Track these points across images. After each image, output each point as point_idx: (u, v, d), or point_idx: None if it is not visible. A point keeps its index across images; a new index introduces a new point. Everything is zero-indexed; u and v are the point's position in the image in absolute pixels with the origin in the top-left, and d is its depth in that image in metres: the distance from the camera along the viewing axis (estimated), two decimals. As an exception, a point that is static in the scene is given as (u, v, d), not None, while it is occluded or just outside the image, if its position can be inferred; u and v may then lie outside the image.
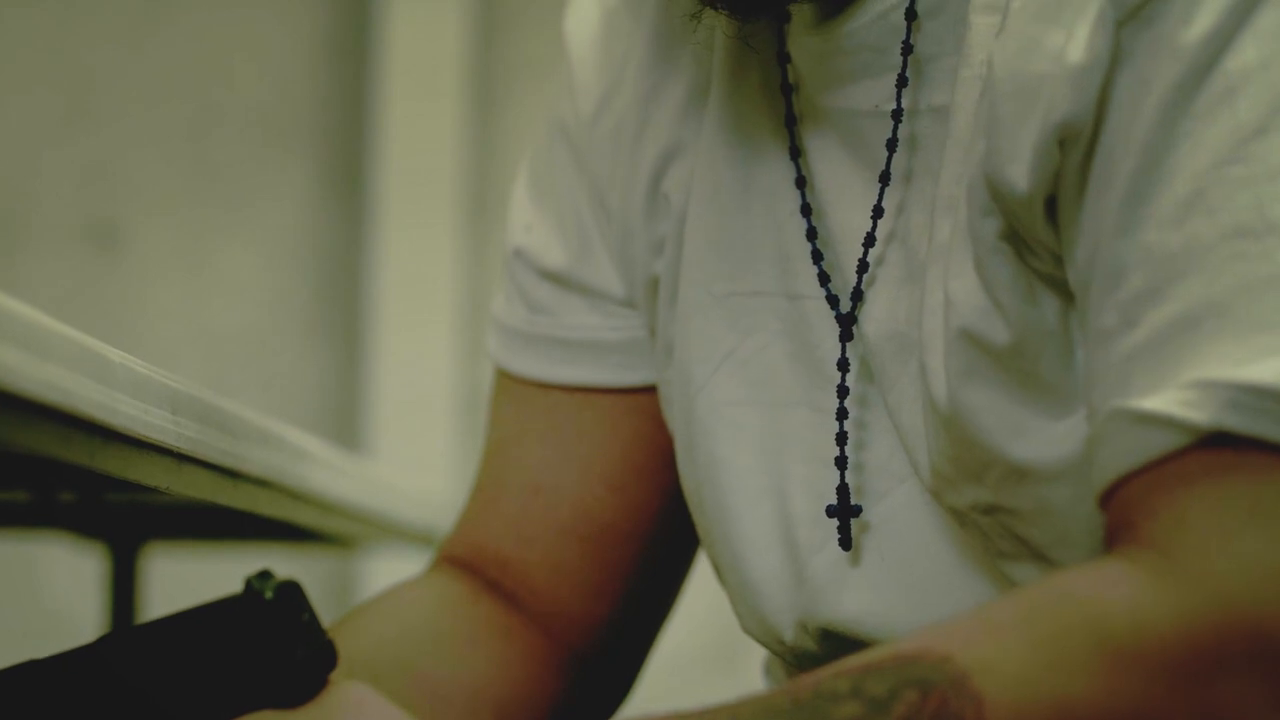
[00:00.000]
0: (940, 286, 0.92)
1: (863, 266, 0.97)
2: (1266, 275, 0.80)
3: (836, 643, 0.99)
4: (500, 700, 1.10)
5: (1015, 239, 0.90)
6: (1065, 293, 0.90)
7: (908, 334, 0.96)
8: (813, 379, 1.00)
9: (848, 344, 0.99)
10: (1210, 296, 0.81)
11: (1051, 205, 0.88)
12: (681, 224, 1.05)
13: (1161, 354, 0.82)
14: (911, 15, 0.94)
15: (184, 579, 2.11)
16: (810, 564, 1.00)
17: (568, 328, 1.11)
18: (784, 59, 1.00)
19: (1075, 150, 0.86)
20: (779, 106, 1.00)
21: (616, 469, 1.11)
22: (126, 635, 0.82)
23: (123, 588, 1.89)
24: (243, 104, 2.90)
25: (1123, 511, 0.83)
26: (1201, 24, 0.83)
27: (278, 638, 0.82)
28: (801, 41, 0.98)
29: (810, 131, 1.00)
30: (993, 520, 0.94)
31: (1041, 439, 0.91)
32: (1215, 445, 0.80)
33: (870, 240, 0.97)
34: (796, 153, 1.00)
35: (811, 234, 1.00)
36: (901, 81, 0.95)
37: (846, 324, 0.99)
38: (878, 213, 0.97)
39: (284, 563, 1.05)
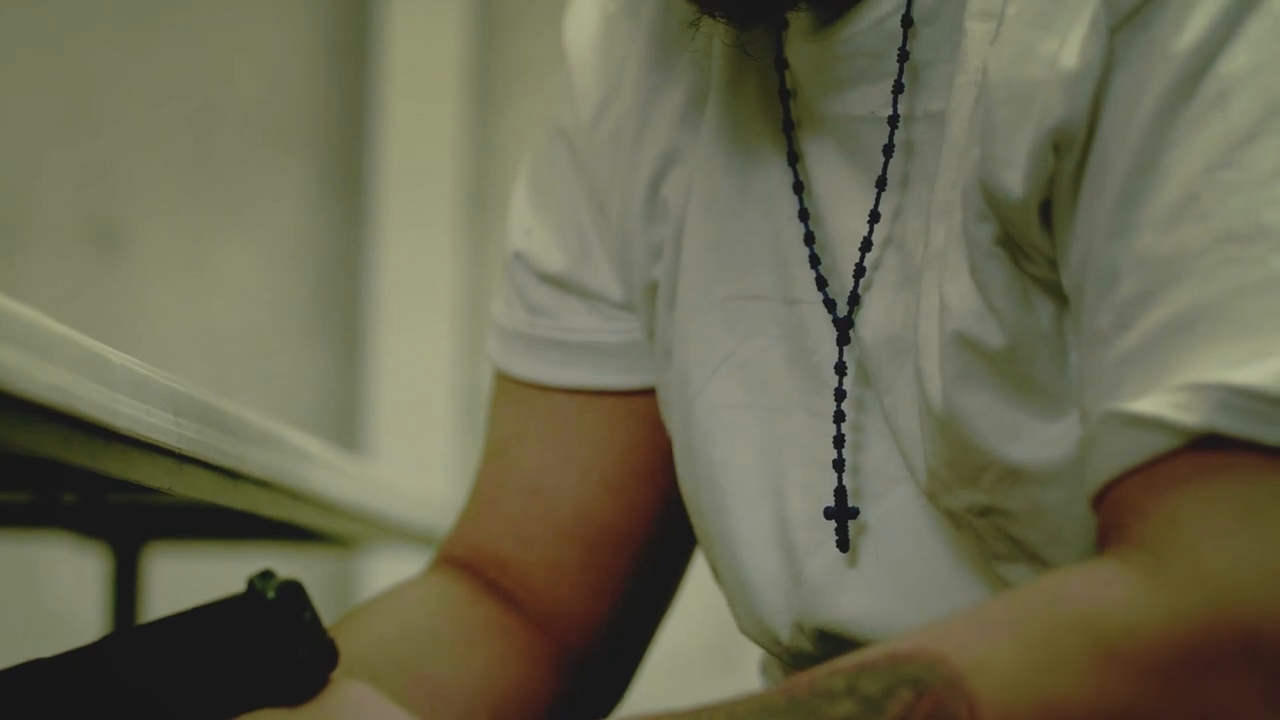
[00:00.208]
0: (936, 290, 0.92)
1: (859, 271, 0.98)
2: (1257, 279, 0.81)
3: (833, 643, 1.00)
4: (499, 699, 1.10)
5: (1010, 244, 0.90)
6: (1060, 296, 0.90)
7: (904, 338, 0.96)
8: (810, 382, 1.01)
9: (844, 348, 0.99)
10: (1202, 300, 0.82)
11: (1046, 210, 0.89)
12: (680, 228, 1.06)
13: (1154, 357, 0.82)
14: (908, 22, 0.95)
15: (185, 579, 2.12)
16: (807, 565, 1.01)
17: (567, 330, 1.11)
18: (782, 65, 1.00)
19: (1069, 155, 0.87)
20: (777, 112, 1.01)
21: (615, 471, 1.11)
22: (130, 634, 0.83)
23: (124, 588, 1.89)
24: (243, 104, 2.90)
25: (1115, 513, 0.83)
26: (1194, 30, 0.83)
27: (279, 637, 0.82)
28: (799, 48, 0.99)
29: (808, 137, 1.00)
30: (987, 522, 0.94)
31: (1036, 441, 0.91)
32: (1206, 447, 0.80)
33: (867, 245, 0.98)
34: (794, 158, 1.01)
35: (809, 238, 1.00)
36: (898, 87, 0.95)
37: (843, 328, 0.99)
38: (874, 217, 0.97)
39: (284, 563, 1.05)
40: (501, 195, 2.85)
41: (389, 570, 2.31)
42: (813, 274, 1.00)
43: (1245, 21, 0.83)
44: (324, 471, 1.36)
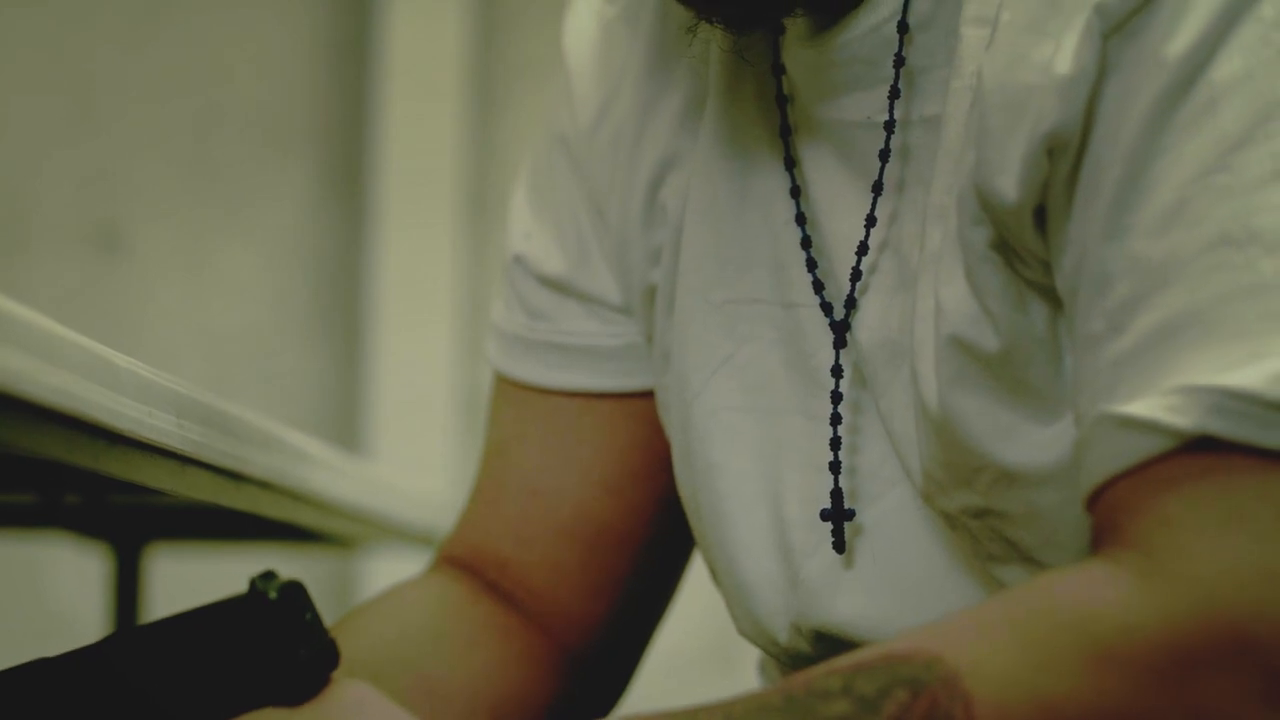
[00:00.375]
0: (931, 294, 0.93)
1: (856, 274, 0.98)
2: (1249, 284, 0.81)
3: (830, 644, 1.00)
4: (499, 699, 1.11)
5: (1005, 248, 0.91)
6: (1054, 300, 0.91)
7: (900, 341, 0.97)
8: (807, 385, 1.01)
9: (841, 351, 1.00)
10: (1194, 304, 0.82)
11: (1040, 214, 0.89)
12: (678, 233, 1.06)
13: (1146, 360, 0.83)
14: (903, 28, 0.95)
15: (186, 579, 2.12)
16: (804, 567, 1.01)
17: (566, 334, 1.12)
18: (779, 71, 1.01)
19: (1063, 160, 0.87)
20: (774, 117, 1.01)
21: (614, 472, 1.12)
22: (134, 634, 0.83)
23: (126, 587, 1.89)
24: (243, 105, 2.90)
25: (1108, 514, 0.84)
26: (1186, 36, 0.84)
27: (281, 637, 0.83)
28: (796, 54, 0.99)
29: (805, 142, 1.00)
30: (983, 524, 0.95)
31: (1030, 443, 0.92)
32: (1199, 449, 0.81)
33: (863, 249, 0.98)
34: (791, 163, 1.01)
35: (806, 243, 1.01)
36: (894, 93, 0.96)
37: (840, 331, 0.99)
38: (871, 222, 0.98)
39: (285, 563, 1.06)
40: (501, 195, 2.85)
41: (389, 570, 2.31)
42: (810, 278, 1.00)
43: (1236, 28, 0.84)
44: (324, 472, 1.36)
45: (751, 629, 1.05)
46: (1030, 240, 0.90)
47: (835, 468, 1.00)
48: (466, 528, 1.16)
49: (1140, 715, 0.79)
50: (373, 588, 2.62)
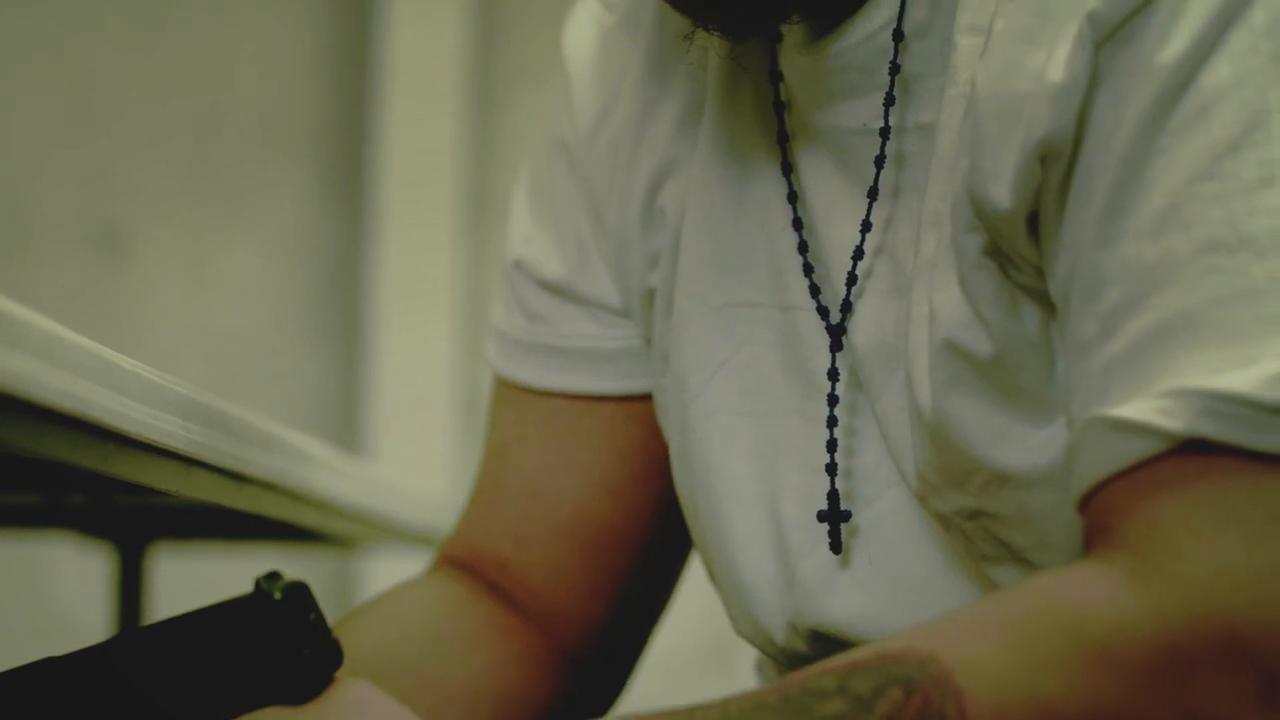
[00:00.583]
0: (925, 299, 0.94)
1: (851, 279, 0.99)
2: (1239, 288, 0.82)
3: (826, 644, 1.01)
4: (499, 698, 1.11)
5: (998, 254, 0.91)
6: (1047, 305, 0.91)
7: (895, 345, 0.97)
8: (804, 388, 1.02)
9: (837, 354, 1.00)
10: (1185, 308, 0.83)
11: (1033, 221, 0.90)
12: (677, 237, 1.07)
13: (1138, 364, 0.84)
14: (899, 36, 0.96)
15: (189, 578, 2.13)
16: (801, 567, 1.02)
17: (566, 337, 1.12)
18: (776, 77, 1.01)
19: (1056, 167, 0.88)
20: (771, 124, 1.02)
21: (613, 473, 1.12)
22: (141, 633, 0.84)
23: (129, 586, 1.90)
24: (244, 107, 2.90)
25: (1101, 516, 0.84)
26: (1177, 44, 0.85)
27: (285, 636, 0.84)
28: (792, 61, 1.00)
29: (801, 148, 1.01)
30: (976, 525, 0.96)
31: (1023, 446, 0.92)
32: (1190, 451, 0.81)
33: (859, 254, 0.99)
34: (788, 169, 1.02)
35: (803, 247, 1.01)
36: (889, 100, 0.97)
37: (836, 335, 1.00)
38: (866, 227, 0.98)
39: (286, 562, 1.06)
40: (501, 196, 2.85)
41: (389, 570, 2.32)
42: (806, 282, 1.01)
43: (1227, 36, 0.84)
44: (325, 473, 1.37)
45: (749, 629, 1.06)
46: (1023, 246, 0.90)
47: (831, 469, 1.00)
48: (467, 528, 1.17)
49: (1133, 714, 0.80)
50: (373, 587, 2.62)
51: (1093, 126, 0.87)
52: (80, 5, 2.88)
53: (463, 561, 1.16)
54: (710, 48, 1.04)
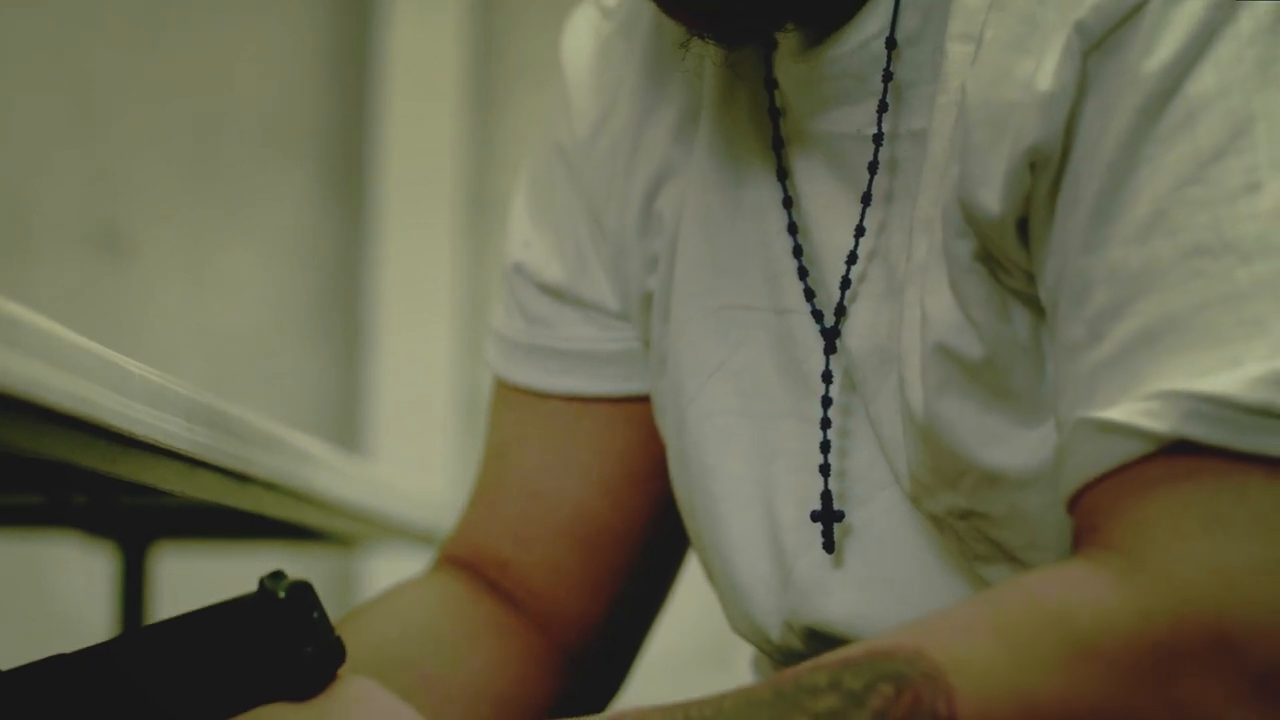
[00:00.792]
0: (917, 303, 0.95)
1: (845, 283, 1.00)
2: (1224, 292, 0.83)
3: (822, 642, 1.02)
4: (499, 696, 1.12)
5: (988, 259, 0.92)
6: (1037, 309, 0.92)
7: (889, 348, 0.98)
8: (799, 390, 1.03)
9: (831, 357, 1.01)
10: (1171, 312, 0.84)
11: (1023, 226, 0.91)
12: (674, 241, 1.08)
13: (1125, 367, 0.85)
14: (891, 44, 0.97)
15: (191, 577, 2.13)
16: (796, 567, 1.03)
17: (565, 340, 1.13)
18: (771, 84, 1.02)
19: (1045, 174, 0.89)
20: (766, 130, 1.03)
21: (612, 474, 1.13)
22: (149, 630, 0.85)
23: (132, 585, 1.90)
24: (245, 108, 2.89)
25: (1088, 516, 0.85)
26: (1163, 53, 0.86)
27: (290, 634, 0.85)
28: (787, 68, 1.01)
29: (796, 154, 1.02)
30: (968, 525, 0.97)
31: (1013, 447, 0.93)
32: (1176, 453, 0.82)
33: (852, 258, 1.00)
34: (783, 174, 1.03)
35: (797, 252, 1.02)
36: (882, 107, 0.97)
37: (830, 338, 1.01)
38: (860, 232, 0.99)
39: (286, 562, 1.07)
40: (501, 196, 2.85)
41: (389, 569, 2.31)
42: (801, 285, 1.02)
43: (1212, 45, 0.85)
44: (327, 473, 1.37)
45: (746, 627, 1.07)
46: (1013, 251, 0.91)
47: (826, 470, 1.01)
48: (467, 528, 1.18)
49: (1119, 710, 0.81)
50: (373, 586, 2.62)
51: (1081, 134, 0.87)
52: (80, 5, 2.87)
53: (463, 561, 1.17)
54: (706, 55, 1.04)
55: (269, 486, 1.18)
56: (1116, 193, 0.86)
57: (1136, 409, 0.83)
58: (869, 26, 0.97)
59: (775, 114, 1.03)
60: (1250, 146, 0.84)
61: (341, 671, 0.88)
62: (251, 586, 0.87)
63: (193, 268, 2.88)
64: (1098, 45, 0.87)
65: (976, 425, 0.94)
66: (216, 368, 2.85)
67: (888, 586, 1.00)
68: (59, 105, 2.87)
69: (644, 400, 1.13)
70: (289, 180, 2.90)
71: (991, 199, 0.90)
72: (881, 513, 1.01)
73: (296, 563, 1.46)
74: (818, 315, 1.02)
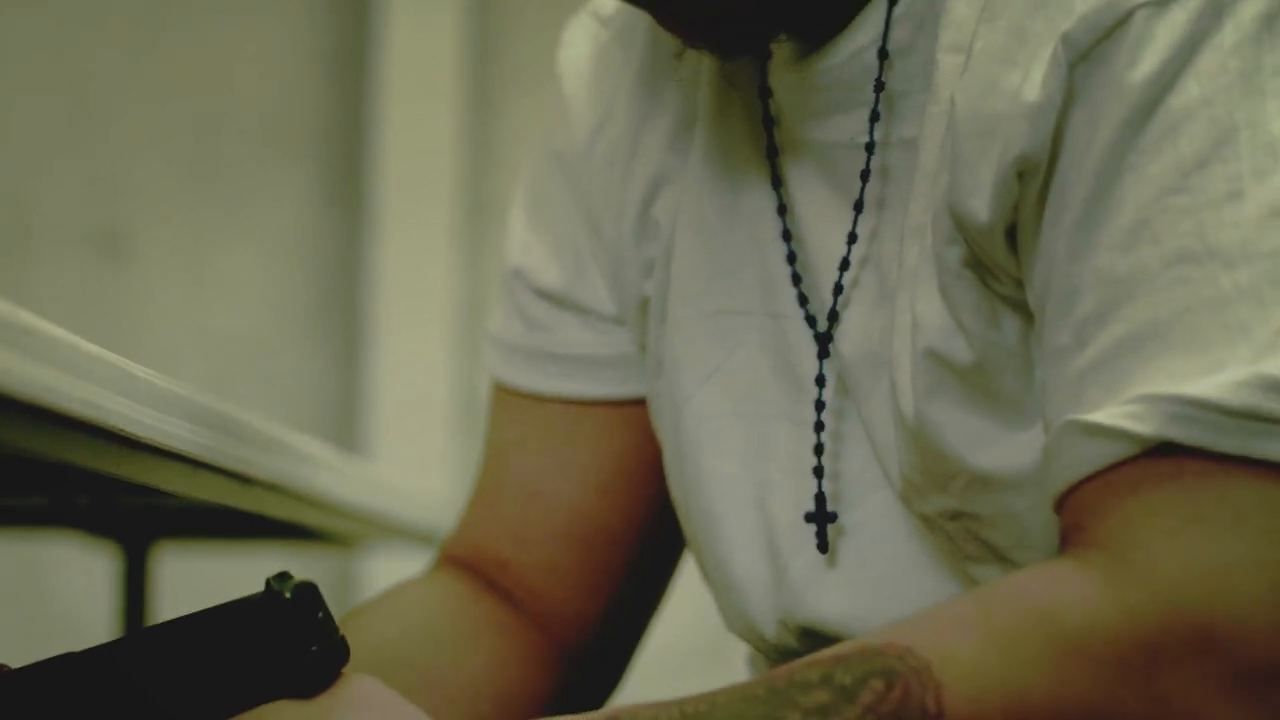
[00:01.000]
0: (908, 309, 0.96)
1: (838, 289, 1.01)
2: (1207, 297, 0.84)
3: (816, 640, 1.03)
4: (499, 695, 1.13)
5: (978, 265, 0.93)
6: (1026, 314, 0.94)
7: (881, 352, 0.99)
8: (793, 393, 1.04)
9: (825, 361, 1.02)
10: (1155, 318, 0.85)
11: (1012, 233, 0.92)
12: (670, 247, 1.09)
13: (1111, 371, 0.86)
14: (884, 54, 0.98)
15: (192, 577, 2.14)
16: (790, 567, 1.04)
17: (563, 344, 1.14)
18: (765, 93, 1.03)
19: (1033, 182, 0.90)
20: (761, 138, 1.04)
21: (609, 475, 1.14)
22: (158, 629, 0.87)
23: (134, 585, 1.91)
24: (244, 109, 2.89)
25: (1075, 516, 0.87)
26: (1147, 65, 0.87)
27: (295, 634, 0.86)
28: (781, 77, 1.02)
29: (790, 161, 1.03)
30: (958, 525, 0.98)
31: (1002, 450, 0.95)
32: (1160, 454, 0.84)
33: (845, 264, 1.01)
34: (778, 181, 1.04)
35: (791, 258, 1.03)
36: (874, 116, 0.98)
37: (823, 342, 1.02)
38: (852, 238, 1.00)
39: (287, 562, 1.08)
40: (499, 197, 2.86)
41: (388, 568, 2.32)
42: (795, 291, 1.03)
43: (1195, 57, 0.87)
44: (326, 473, 1.37)
45: (741, 626, 1.08)
46: (1002, 258, 0.93)
47: (819, 472, 1.02)
48: (467, 528, 1.19)
49: (1104, 704, 0.82)
50: (372, 586, 2.62)
51: (1067, 144, 0.89)
52: (80, 5, 2.86)
53: (463, 561, 1.18)
54: (702, 64, 1.06)
55: (270, 487, 1.18)
56: (1102, 201, 0.87)
57: (1121, 412, 0.85)
58: (861, 37, 0.98)
59: (769, 122, 1.04)
60: (1233, 155, 0.86)
61: (345, 670, 0.89)
62: (251, 586, 0.88)
63: (192, 268, 2.88)
64: (1084, 57, 0.88)
65: (966, 428, 0.95)
66: (216, 368, 2.85)
67: (880, 585, 1.01)
68: (59, 105, 2.87)
69: (641, 403, 1.14)
70: (288, 181, 2.89)
71: (981, 207, 0.91)
72: (874, 514, 1.02)
73: (296, 563, 1.47)
74: (811, 320, 1.03)
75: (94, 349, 0.82)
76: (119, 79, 2.87)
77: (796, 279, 1.03)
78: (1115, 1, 0.88)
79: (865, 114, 0.99)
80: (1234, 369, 0.83)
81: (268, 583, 0.86)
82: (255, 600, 0.86)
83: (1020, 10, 0.90)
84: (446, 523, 1.26)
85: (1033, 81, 0.89)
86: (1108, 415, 0.85)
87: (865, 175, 1.00)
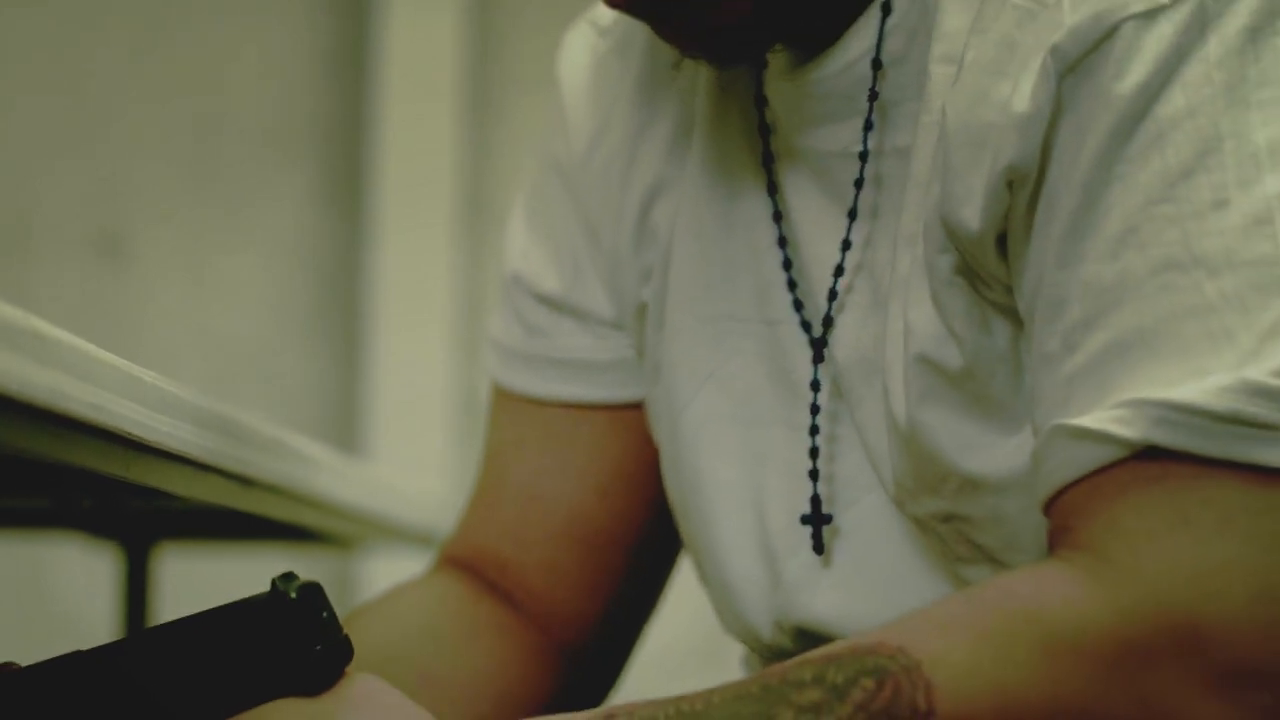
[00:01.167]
0: (901, 315, 0.97)
1: (833, 295, 1.02)
2: (1193, 304, 0.86)
3: (810, 640, 1.04)
4: (498, 694, 1.14)
5: (969, 273, 0.95)
6: (1016, 320, 0.95)
7: (874, 358, 1.00)
8: (789, 398, 1.05)
9: (819, 366, 1.03)
10: (1141, 325, 0.86)
11: (1002, 241, 0.93)
12: (668, 253, 1.10)
13: (1098, 376, 0.87)
14: (877, 65, 0.99)
15: (193, 577, 2.15)
16: (786, 568, 1.05)
17: (562, 349, 1.15)
18: (761, 102, 1.04)
19: (1022, 191, 0.91)
20: (757, 146, 1.05)
21: (607, 479, 1.15)
22: (165, 627, 0.88)
23: (135, 586, 1.91)
24: (244, 111, 2.88)
25: (1063, 518, 0.88)
26: (1134, 76, 0.88)
27: (300, 633, 0.87)
28: (777, 86, 1.03)
29: (786, 169, 1.04)
30: (950, 527, 0.99)
31: (993, 454, 0.96)
32: (1146, 458, 0.85)
33: (839, 271, 1.02)
34: (773, 189, 1.05)
35: (787, 264, 1.05)
36: (868, 125, 1.00)
37: (818, 348, 1.03)
38: (846, 245, 1.01)
39: (287, 562, 1.09)
40: (498, 199, 2.86)
41: (388, 569, 2.32)
42: (790, 297, 1.04)
43: (1181, 69, 0.88)
44: (327, 475, 1.38)
45: (737, 627, 1.09)
46: (993, 265, 0.94)
47: (814, 475, 1.03)
48: (467, 530, 1.20)
49: (1092, 703, 0.83)
50: (372, 587, 2.62)
51: (1056, 154, 0.90)
52: (80, 5, 2.85)
53: (463, 562, 1.19)
54: (699, 73, 1.07)
55: (271, 489, 1.19)
56: (1090, 210, 0.89)
57: (1108, 416, 0.86)
58: (855, 47, 0.99)
59: (765, 130, 1.05)
60: (1218, 165, 0.87)
61: (349, 669, 0.90)
62: (252, 587, 0.89)
63: (192, 270, 2.87)
64: (1072, 68, 0.89)
65: (957, 433, 0.96)
66: (216, 369, 2.85)
67: (874, 586, 1.02)
68: (59, 106, 2.86)
69: (639, 407, 1.15)
70: (288, 183, 2.89)
71: (971, 216, 0.93)
72: (868, 516, 1.03)
73: (297, 564, 1.48)
74: (806, 326, 1.04)
75: (98, 352, 0.83)
76: (119, 79, 2.87)
77: (792, 285, 1.05)
78: (1103, 14, 0.89)
79: (859, 123, 1.00)
80: (1219, 375, 0.85)
81: (273, 582, 0.87)
82: (261, 600, 0.87)
83: (1010, 23, 0.91)
84: (446, 524, 1.27)
85: (1022, 93, 0.90)
86: (1095, 419, 0.86)
87: (859, 183, 1.01)
